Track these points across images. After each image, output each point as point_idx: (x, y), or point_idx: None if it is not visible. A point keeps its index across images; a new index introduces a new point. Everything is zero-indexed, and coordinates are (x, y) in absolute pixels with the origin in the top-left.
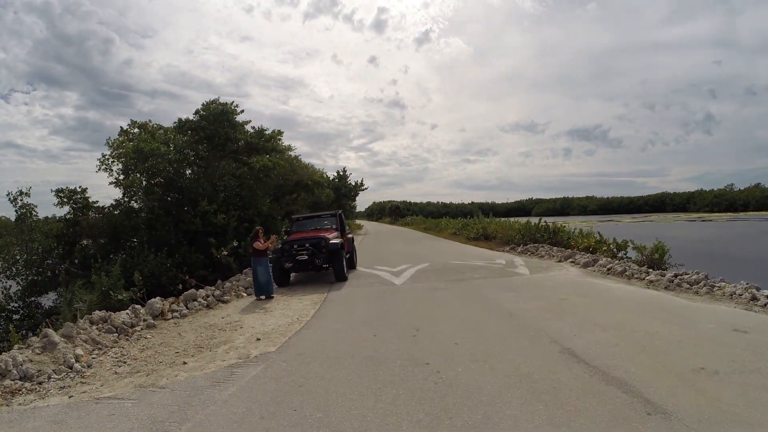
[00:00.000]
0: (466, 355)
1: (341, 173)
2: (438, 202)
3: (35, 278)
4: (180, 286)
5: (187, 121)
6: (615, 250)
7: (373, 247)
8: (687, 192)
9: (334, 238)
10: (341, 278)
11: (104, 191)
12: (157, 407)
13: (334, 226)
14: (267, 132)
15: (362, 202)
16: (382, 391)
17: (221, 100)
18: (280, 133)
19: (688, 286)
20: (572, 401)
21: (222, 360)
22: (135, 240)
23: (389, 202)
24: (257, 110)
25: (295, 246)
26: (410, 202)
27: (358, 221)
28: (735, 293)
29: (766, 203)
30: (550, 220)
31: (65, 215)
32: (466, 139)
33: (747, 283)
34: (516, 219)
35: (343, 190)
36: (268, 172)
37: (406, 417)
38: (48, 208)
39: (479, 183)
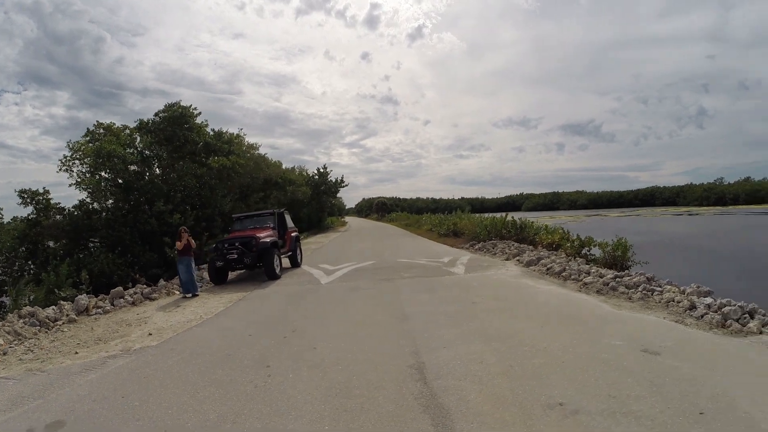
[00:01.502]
0: (314, 361)
1: (321, 170)
2: (427, 198)
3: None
4: (130, 285)
5: (147, 122)
6: (578, 247)
7: (340, 244)
8: (677, 186)
9: (265, 237)
10: (272, 277)
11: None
12: (29, 385)
13: (271, 225)
14: (225, 134)
15: (353, 199)
16: (206, 389)
17: (185, 102)
18: (238, 136)
19: (624, 289)
20: (368, 425)
21: (106, 352)
22: (96, 240)
23: (378, 198)
24: (250, 107)
25: (226, 245)
26: (399, 198)
27: (346, 218)
28: (673, 300)
29: (755, 197)
30: (538, 215)
31: (27, 216)
32: (459, 134)
33: (697, 287)
34: (493, 215)
35: (323, 187)
36: (229, 171)
37: (200, 414)
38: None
39: (472, 178)
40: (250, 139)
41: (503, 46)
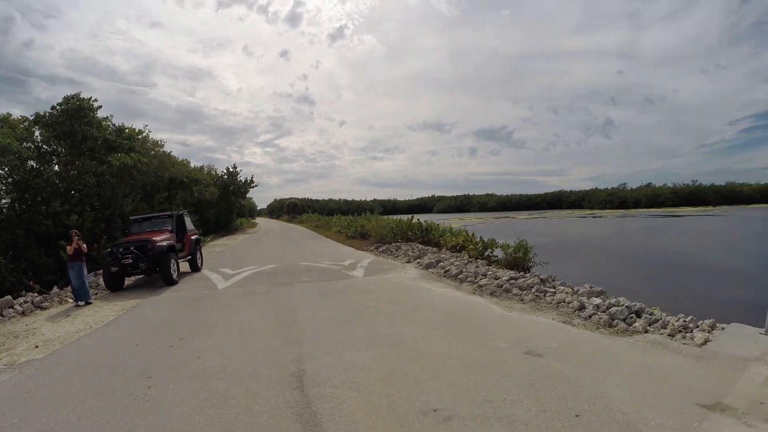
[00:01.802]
0: (196, 370)
1: (231, 169)
2: (340, 199)
3: None
4: (24, 292)
5: (45, 115)
6: (481, 249)
7: (246, 247)
8: (582, 190)
9: (162, 241)
10: (168, 282)
11: None
12: None
13: (169, 228)
14: (127, 129)
15: (266, 199)
16: (88, 403)
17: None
18: (140, 132)
19: (518, 291)
20: None
21: None
22: None
23: (290, 199)
24: (162, 101)
25: (121, 249)
26: (311, 200)
27: (257, 219)
28: (564, 301)
29: (655, 201)
30: (449, 217)
31: None
32: (374, 136)
33: (590, 287)
34: (399, 217)
35: (232, 187)
36: (131, 170)
37: (77, 429)
38: None
39: (385, 180)
40: (159, 135)
41: (422, 51)
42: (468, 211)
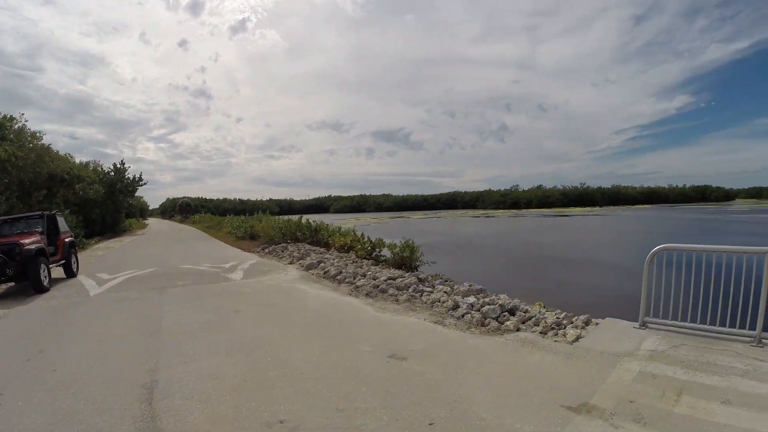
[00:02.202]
0: (50, 385)
1: (118, 166)
2: (235, 199)
3: None
4: None
5: None
6: (369, 248)
7: (130, 250)
8: (477, 191)
9: (31, 244)
10: (38, 289)
11: None
12: None
13: (39, 230)
14: None
15: (159, 198)
16: None
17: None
18: (12, 119)
19: (394, 291)
20: None
21: None
22: None
23: (183, 198)
24: (50, 88)
25: None
26: (205, 199)
27: (149, 220)
28: (439, 300)
29: (545, 202)
30: (345, 216)
31: None
32: (271, 134)
33: (469, 285)
34: (290, 217)
35: (119, 185)
36: (3, 164)
37: None
38: None
39: (282, 179)
40: (46, 126)
41: (325, 49)
42: (365, 211)
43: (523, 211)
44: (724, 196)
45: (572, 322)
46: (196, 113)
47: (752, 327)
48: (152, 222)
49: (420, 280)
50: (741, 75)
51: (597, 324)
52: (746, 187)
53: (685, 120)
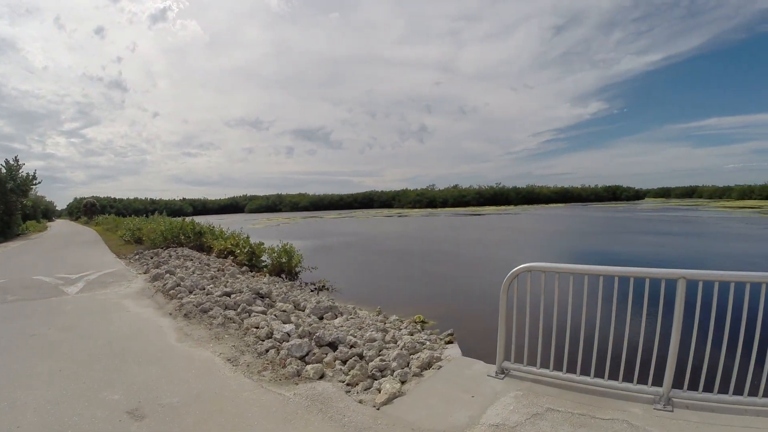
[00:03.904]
0: None
1: (11, 163)
2: (146, 199)
3: None
4: None
5: None
6: (249, 253)
7: (4, 259)
8: (393, 190)
9: None
10: None
11: None
12: None
13: None
14: None
15: (68, 198)
16: None
17: None
18: None
19: (220, 310)
20: None
21: None
22: None
23: (90, 198)
24: None
25: None
26: (115, 199)
27: (55, 221)
28: (257, 326)
29: (461, 201)
30: (258, 217)
31: None
32: (188, 131)
33: (317, 303)
34: (192, 218)
35: (11, 184)
36: None
37: None
38: None
39: (200, 178)
40: None
41: (246, 44)
42: (280, 211)
43: (438, 210)
44: (635, 195)
45: (406, 366)
46: (110, 106)
47: (657, 381)
48: (57, 224)
49: (260, 296)
50: (652, 85)
51: (440, 367)
52: (655, 188)
53: (598, 125)
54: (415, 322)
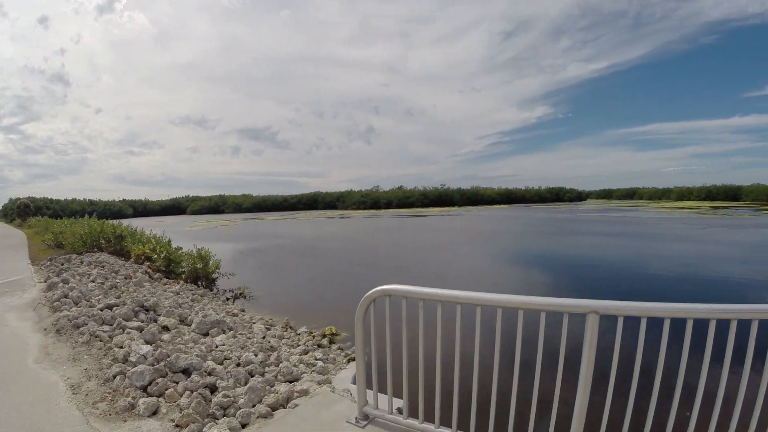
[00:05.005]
0: None
1: None
2: (84, 200)
3: None
4: None
5: None
6: (167, 259)
7: None
8: (338, 192)
9: None
10: None
11: None
12: None
13: None
14: None
15: (2, 199)
16: None
17: None
18: None
19: (95, 325)
20: None
21: None
22: None
23: (24, 198)
24: None
25: None
26: (51, 199)
27: None
28: (120, 346)
29: (405, 202)
30: (199, 218)
31: None
32: (132, 128)
33: (202, 317)
34: (103, 221)
35: None
36: None
37: None
38: None
39: (143, 178)
40: None
41: (194, 39)
42: (223, 212)
43: (383, 211)
44: (577, 196)
45: (258, 402)
46: (51, 101)
47: None
48: None
49: (145, 309)
50: (596, 91)
51: (295, 406)
52: (597, 189)
53: (543, 128)
54: (324, 336)
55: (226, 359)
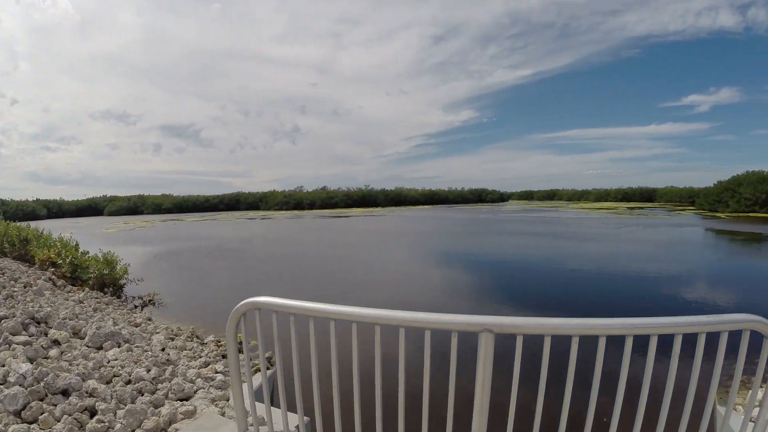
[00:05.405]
0: None
1: None
2: None
3: None
4: None
5: None
6: (72, 264)
7: None
8: (261, 192)
9: None
10: None
11: None
12: None
13: None
14: None
15: None
16: None
17: None
18: None
19: None
20: None
21: None
22: None
23: None
24: None
25: None
26: None
27: None
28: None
29: (329, 203)
30: (117, 219)
31: None
32: (49, 121)
33: (96, 329)
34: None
35: None
36: None
37: None
38: None
39: (59, 176)
40: None
41: (119, 28)
42: (142, 213)
43: (305, 212)
44: (499, 197)
45: (138, 427)
46: None
47: None
48: None
49: (36, 321)
50: (521, 97)
51: (176, 431)
52: (519, 191)
53: (468, 131)
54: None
55: (115, 376)
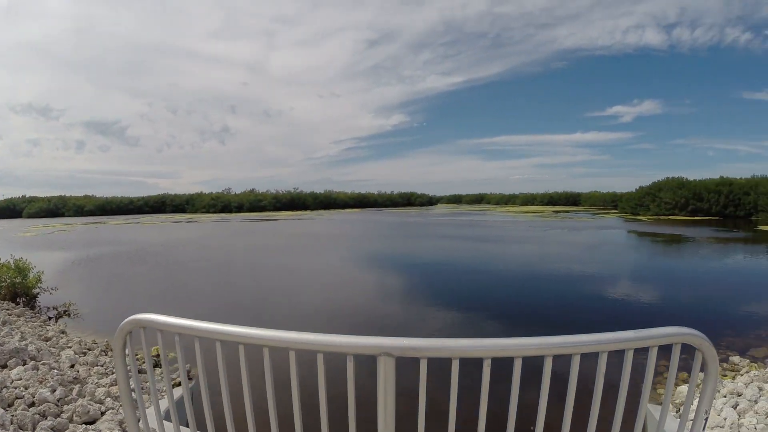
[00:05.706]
0: None
1: None
2: None
3: None
4: None
5: None
6: None
7: None
8: (187, 194)
9: None
10: None
11: None
12: None
13: None
14: None
15: None
16: None
17: None
18: None
19: None
20: None
21: None
22: None
23: None
24: None
25: None
26: None
27: None
28: None
29: (257, 206)
30: (36, 222)
31: None
32: None
33: None
34: None
35: None
36: None
37: None
38: None
39: None
40: None
41: (46, 16)
42: (63, 215)
43: (233, 215)
44: (428, 201)
45: None
46: None
47: None
48: None
49: None
50: (451, 103)
51: None
52: (448, 195)
53: (399, 136)
54: (153, 356)
55: (18, 398)
